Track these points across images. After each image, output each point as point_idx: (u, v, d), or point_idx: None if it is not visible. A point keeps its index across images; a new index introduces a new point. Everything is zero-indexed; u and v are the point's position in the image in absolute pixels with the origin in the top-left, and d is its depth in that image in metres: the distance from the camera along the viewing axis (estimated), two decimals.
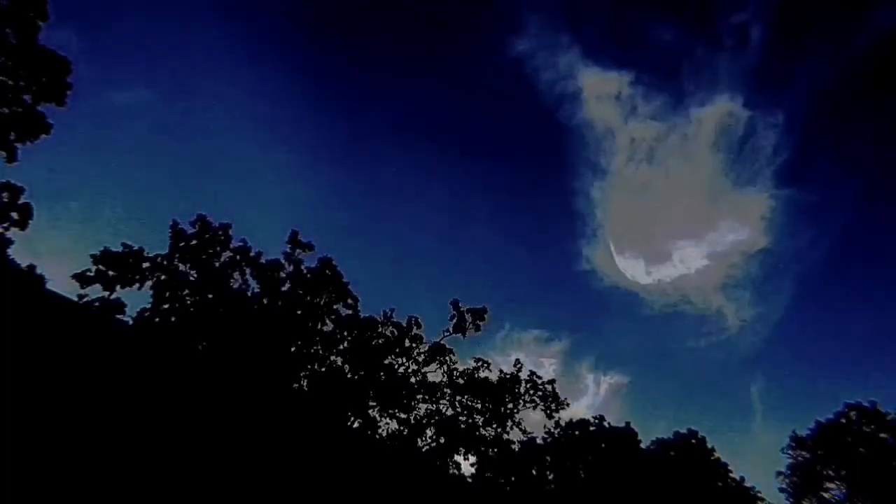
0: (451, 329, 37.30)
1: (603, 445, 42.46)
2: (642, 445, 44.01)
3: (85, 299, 29.09)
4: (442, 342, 37.32)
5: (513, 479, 38.21)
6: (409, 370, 36.27)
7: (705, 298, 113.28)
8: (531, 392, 39.78)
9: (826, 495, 40.61)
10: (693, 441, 44.98)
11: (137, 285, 31.27)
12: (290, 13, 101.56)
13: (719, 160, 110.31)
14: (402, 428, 34.90)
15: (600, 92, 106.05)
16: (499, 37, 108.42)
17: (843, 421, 41.35)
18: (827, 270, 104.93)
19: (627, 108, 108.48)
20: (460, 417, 36.95)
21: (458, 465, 35.86)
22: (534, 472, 40.25)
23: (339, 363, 34.70)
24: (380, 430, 34.13)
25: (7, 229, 22.44)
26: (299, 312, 33.77)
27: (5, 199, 22.15)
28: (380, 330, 36.20)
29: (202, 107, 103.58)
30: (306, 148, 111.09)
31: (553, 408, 40.08)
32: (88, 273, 29.92)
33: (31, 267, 24.21)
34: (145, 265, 31.65)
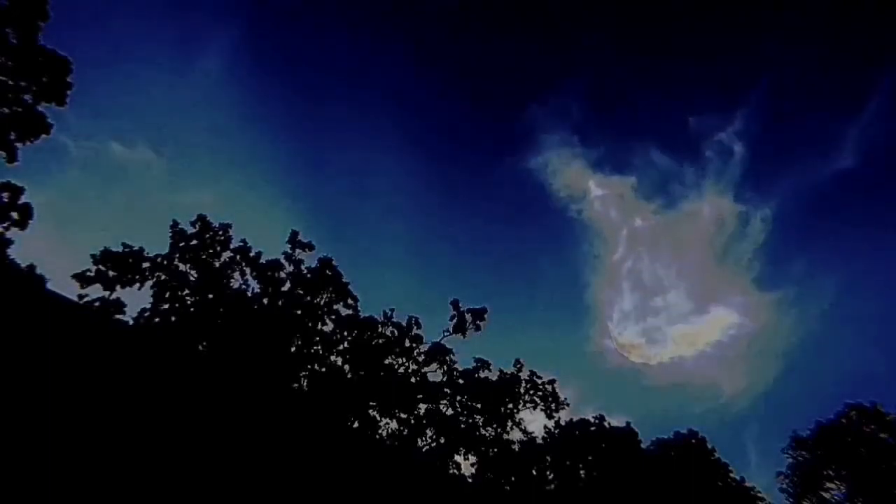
0: (451, 329, 37.32)
1: (603, 445, 42.41)
2: (642, 445, 44.02)
3: (85, 299, 29.12)
4: (442, 342, 37.35)
5: (513, 479, 38.18)
6: (409, 370, 36.26)
7: (701, 373, 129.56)
8: (531, 392, 39.78)
9: (826, 495, 40.57)
10: (693, 441, 44.94)
11: (137, 285, 31.29)
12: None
13: (712, 251, 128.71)
14: (402, 428, 34.88)
15: (604, 192, 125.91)
16: (519, 151, 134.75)
17: (844, 421, 41.34)
18: (808, 348, 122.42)
19: (628, 206, 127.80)
20: (460, 417, 36.92)
21: (458, 465, 35.84)
22: (534, 472, 40.23)
23: (339, 363, 34.69)
24: (380, 431, 34.13)
25: (7, 229, 22.44)
26: (299, 312, 33.76)
27: (5, 200, 22.14)
28: (380, 330, 36.18)
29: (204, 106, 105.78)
30: (313, 153, 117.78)
31: (553, 408, 40.09)
32: (88, 273, 29.93)
33: (31, 267, 24.23)
34: (145, 265, 31.65)
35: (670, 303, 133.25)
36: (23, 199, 22.50)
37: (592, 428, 43.52)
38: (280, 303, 33.63)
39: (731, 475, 43.48)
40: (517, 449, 38.66)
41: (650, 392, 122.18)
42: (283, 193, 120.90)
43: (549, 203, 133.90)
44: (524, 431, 39.27)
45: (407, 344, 36.55)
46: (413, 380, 35.83)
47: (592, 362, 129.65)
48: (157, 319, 30.73)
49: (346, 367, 34.49)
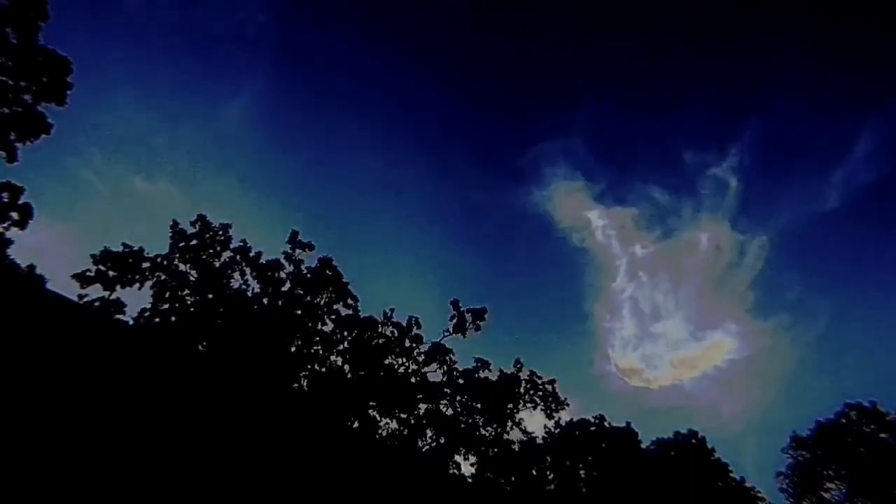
0: (451, 329, 37.30)
1: (603, 445, 42.39)
2: (642, 445, 43.97)
3: (85, 299, 29.11)
4: (442, 342, 37.33)
5: (513, 479, 38.18)
6: (409, 370, 36.24)
7: (700, 396, 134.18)
8: (531, 392, 39.76)
9: (826, 495, 40.55)
10: (693, 441, 44.89)
11: (137, 285, 31.28)
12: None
13: (710, 279, 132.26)
14: (402, 428, 34.88)
15: (606, 223, 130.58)
16: (525, 185, 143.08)
17: (843, 421, 41.31)
18: (805, 372, 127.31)
19: (629, 235, 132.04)
20: (460, 417, 36.91)
21: (458, 465, 35.83)
22: (534, 472, 40.21)
23: (339, 363, 34.68)
24: (380, 431, 34.12)
25: (7, 229, 22.43)
26: (299, 312, 33.75)
27: (5, 200, 22.13)
28: (380, 330, 36.17)
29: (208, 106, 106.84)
30: (318, 157, 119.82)
31: (553, 408, 40.08)
32: (88, 273, 29.92)
33: (31, 267, 24.23)
34: (145, 265, 31.64)
35: (670, 329, 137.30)
36: (23, 199, 22.50)
37: (592, 428, 43.51)
38: (280, 303, 33.62)
39: (731, 475, 43.46)
40: (517, 449, 38.64)
41: (649, 415, 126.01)
42: (285, 195, 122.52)
43: (551, 232, 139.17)
44: (524, 431, 39.26)
45: (407, 344, 36.53)
46: (413, 380, 35.82)
47: (593, 386, 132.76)
48: (157, 319, 30.72)
49: (346, 367, 34.48)
